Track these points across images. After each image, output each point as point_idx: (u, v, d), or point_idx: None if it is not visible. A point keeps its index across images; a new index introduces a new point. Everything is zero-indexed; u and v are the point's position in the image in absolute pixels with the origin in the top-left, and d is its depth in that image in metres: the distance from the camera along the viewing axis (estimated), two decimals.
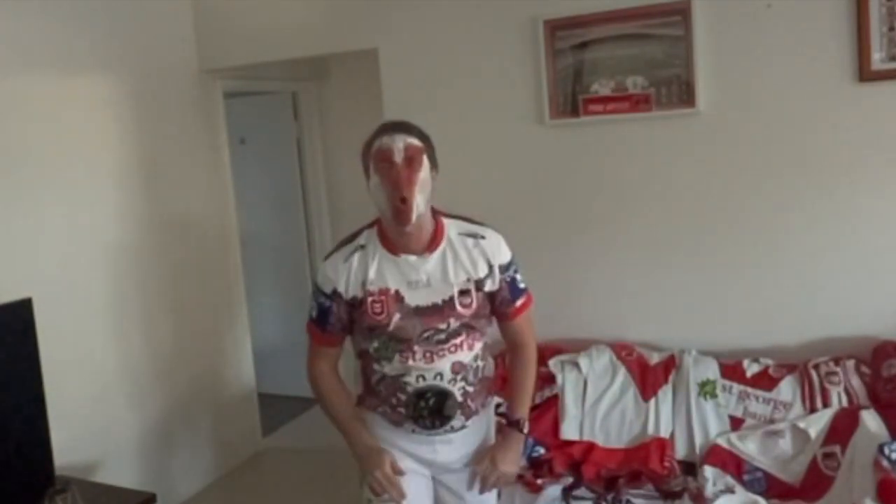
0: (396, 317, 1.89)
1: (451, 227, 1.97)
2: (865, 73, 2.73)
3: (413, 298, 1.90)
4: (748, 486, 2.55)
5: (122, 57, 3.44)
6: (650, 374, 2.89)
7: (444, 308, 1.91)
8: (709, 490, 2.50)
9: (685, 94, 2.96)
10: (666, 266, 3.09)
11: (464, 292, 1.92)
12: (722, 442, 2.67)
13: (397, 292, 1.90)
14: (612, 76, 3.06)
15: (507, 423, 2.06)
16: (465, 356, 1.94)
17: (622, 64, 3.04)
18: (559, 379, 2.93)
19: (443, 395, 1.92)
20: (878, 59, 2.71)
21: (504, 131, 3.27)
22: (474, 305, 1.93)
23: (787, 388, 2.72)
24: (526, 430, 2.07)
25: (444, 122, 2.92)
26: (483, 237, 1.97)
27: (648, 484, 2.59)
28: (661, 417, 2.79)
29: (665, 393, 2.83)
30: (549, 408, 2.89)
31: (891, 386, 2.58)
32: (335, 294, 1.93)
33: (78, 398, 3.09)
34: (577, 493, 2.59)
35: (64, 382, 2.91)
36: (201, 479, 3.84)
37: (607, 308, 3.17)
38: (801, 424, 2.61)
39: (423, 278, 1.91)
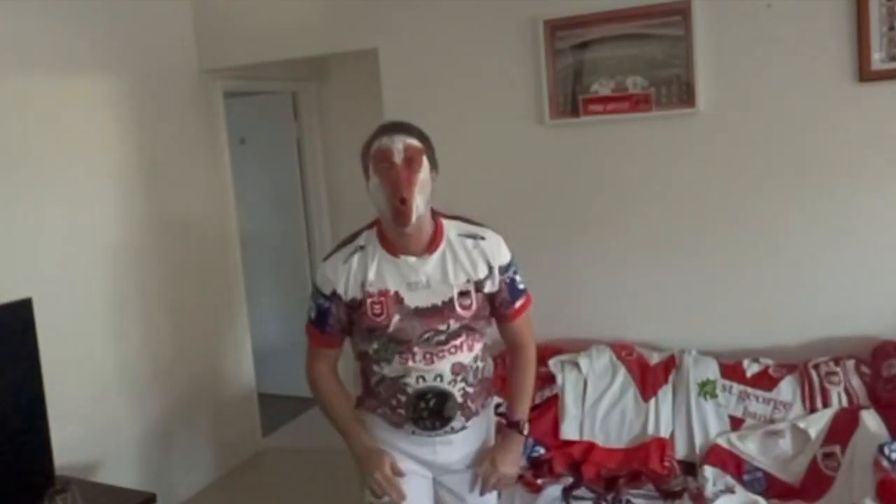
0: (396, 318, 1.89)
1: (450, 228, 1.96)
2: (865, 73, 2.73)
3: (413, 300, 1.89)
4: (748, 486, 2.55)
5: (122, 57, 3.44)
6: (650, 374, 2.89)
7: (443, 309, 1.90)
8: (709, 490, 2.50)
9: (685, 94, 2.96)
10: (666, 266, 3.09)
11: (463, 293, 1.92)
12: (722, 442, 2.67)
13: (397, 293, 1.89)
14: (612, 76, 3.06)
15: (507, 425, 2.06)
16: (464, 357, 1.94)
17: (622, 64, 3.04)
18: (559, 379, 2.93)
19: (443, 397, 1.91)
20: (878, 59, 2.71)
21: (504, 131, 3.26)
22: (474, 307, 1.93)
23: (787, 388, 2.72)
24: (526, 432, 2.07)
25: (444, 122, 2.93)
26: (483, 238, 1.97)
27: (648, 484, 2.59)
28: (661, 417, 2.79)
29: (665, 393, 2.83)
30: (549, 408, 2.89)
31: (891, 386, 2.58)
32: (334, 295, 1.93)
33: (78, 398, 3.09)
34: (577, 493, 2.59)
35: (64, 382, 2.91)
36: (201, 479, 3.84)
37: (607, 308, 3.17)
38: (801, 424, 2.60)
39: (422, 279, 1.90)
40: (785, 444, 2.61)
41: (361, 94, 4.30)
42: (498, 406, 2.28)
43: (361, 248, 1.94)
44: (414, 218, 1.83)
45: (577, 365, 2.95)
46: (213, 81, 3.98)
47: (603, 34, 3.05)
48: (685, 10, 2.91)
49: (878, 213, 2.80)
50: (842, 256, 2.85)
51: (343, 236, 2.03)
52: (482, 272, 1.94)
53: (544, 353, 2.89)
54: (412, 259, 1.91)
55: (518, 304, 2.03)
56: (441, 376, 1.91)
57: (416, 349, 1.89)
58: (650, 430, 2.77)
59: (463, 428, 1.98)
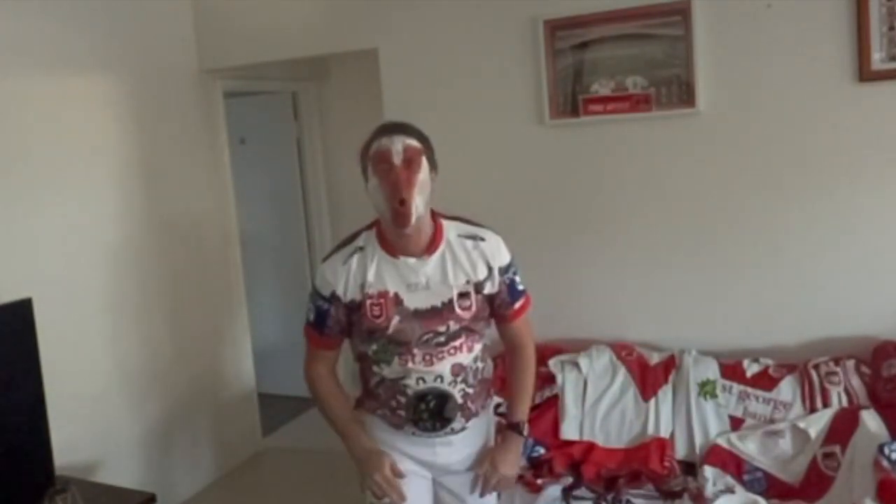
0: (395, 319, 1.89)
1: (450, 229, 1.96)
2: (865, 73, 2.73)
3: (412, 301, 1.89)
4: (748, 486, 2.55)
5: (122, 57, 3.44)
6: (650, 374, 2.89)
7: (443, 311, 1.90)
8: (709, 490, 2.50)
9: (685, 94, 2.96)
10: (666, 266, 3.08)
11: (463, 295, 1.91)
12: (722, 442, 2.67)
13: (396, 295, 1.89)
14: (612, 76, 3.06)
15: (507, 426, 2.06)
16: (464, 358, 1.94)
17: (622, 64, 3.04)
18: (559, 379, 2.93)
19: (443, 398, 1.91)
20: (878, 59, 2.70)
21: (504, 131, 3.26)
22: (473, 308, 1.93)
23: (787, 388, 2.72)
24: (526, 433, 2.07)
25: (444, 122, 2.93)
26: (482, 239, 1.97)
27: (648, 484, 2.59)
28: (661, 417, 2.79)
29: (665, 393, 2.83)
30: (549, 408, 2.89)
31: (891, 386, 2.58)
32: (333, 297, 1.93)
33: (78, 398, 3.09)
34: (577, 493, 2.59)
35: (64, 382, 2.90)
36: (201, 479, 3.84)
37: (607, 308, 3.17)
38: (801, 424, 2.60)
39: (422, 281, 1.90)
40: (785, 445, 2.61)
41: (361, 94, 4.30)
42: (498, 406, 2.28)
43: (361, 249, 1.93)
44: (413, 219, 1.82)
45: (577, 365, 2.95)
46: (213, 81, 3.98)
47: (603, 34, 3.05)
48: (685, 10, 2.91)
49: (878, 213, 2.80)
50: (842, 256, 2.85)
51: (343, 236, 2.03)
52: (482, 273, 1.94)
53: (544, 353, 2.89)
54: (412, 260, 1.90)
55: (518, 304, 2.03)
56: (441, 377, 1.91)
57: (415, 350, 1.89)
58: (650, 430, 2.77)
59: (463, 429, 1.98)
